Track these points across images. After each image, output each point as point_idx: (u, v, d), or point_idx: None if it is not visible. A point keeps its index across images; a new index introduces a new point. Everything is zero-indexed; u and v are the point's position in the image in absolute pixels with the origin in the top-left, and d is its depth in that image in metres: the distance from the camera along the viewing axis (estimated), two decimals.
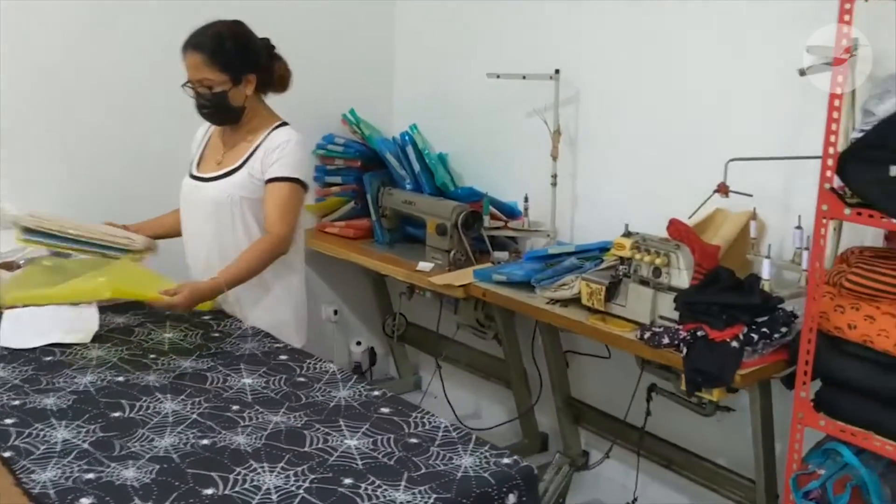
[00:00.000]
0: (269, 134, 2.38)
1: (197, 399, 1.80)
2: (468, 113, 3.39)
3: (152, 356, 2.02)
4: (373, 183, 3.29)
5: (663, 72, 2.76)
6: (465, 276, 2.87)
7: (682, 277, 2.34)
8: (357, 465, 1.55)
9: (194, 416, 1.72)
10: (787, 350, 2.20)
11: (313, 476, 1.51)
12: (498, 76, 3.04)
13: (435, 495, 1.46)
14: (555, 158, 2.99)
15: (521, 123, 3.15)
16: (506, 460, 1.59)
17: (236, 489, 1.46)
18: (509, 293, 2.70)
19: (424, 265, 3.02)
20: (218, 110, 2.35)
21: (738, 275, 2.35)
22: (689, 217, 2.52)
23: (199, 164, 2.47)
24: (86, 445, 1.58)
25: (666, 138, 2.78)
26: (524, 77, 2.99)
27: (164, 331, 2.17)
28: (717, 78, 2.62)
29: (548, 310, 2.57)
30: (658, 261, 2.37)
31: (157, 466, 1.52)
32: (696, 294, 2.29)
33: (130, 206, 2.71)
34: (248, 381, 1.90)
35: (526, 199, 3.08)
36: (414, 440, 1.65)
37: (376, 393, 1.85)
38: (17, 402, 1.75)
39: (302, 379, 1.91)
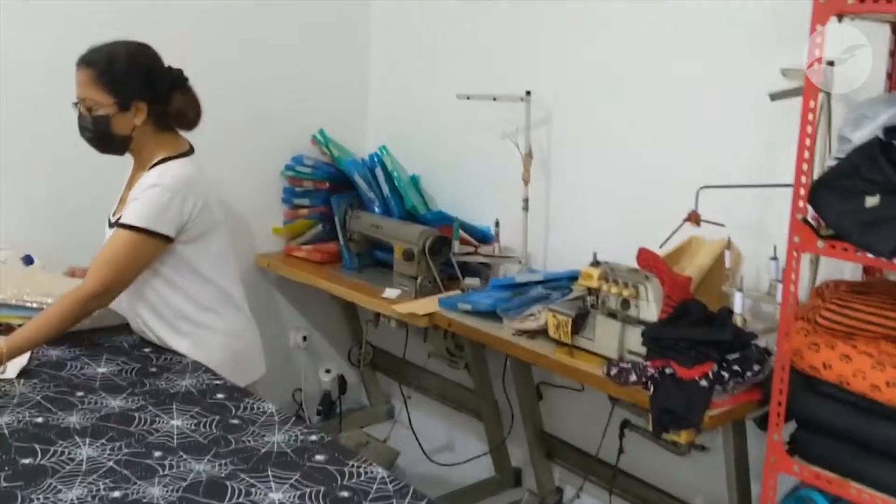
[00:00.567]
0: (146, 173, 2.17)
1: (118, 444, 1.67)
2: (440, 135, 3.28)
3: (80, 394, 1.89)
4: (340, 206, 3.18)
5: (635, 95, 2.65)
6: (430, 304, 2.74)
7: (650, 310, 2.22)
8: None
9: (110, 463, 1.59)
10: (760, 389, 2.08)
11: None
12: (468, 97, 2.93)
13: None
14: (526, 182, 2.88)
15: (492, 146, 3.04)
16: None
17: None
18: (476, 323, 2.57)
19: (391, 292, 2.90)
20: (98, 136, 2.14)
21: (713, 307, 2.22)
22: (661, 246, 2.39)
23: (118, 203, 2.28)
24: None
25: (638, 162, 2.67)
26: (494, 98, 2.88)
27: (99, 365, 2.05)
28: (691, 102, 2.51)
29: (514, 342, 2.44)
30: (626, 292, 2.25)
31: None
32: (664, 328, 2.16)
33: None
34: (177, 422, 1.77)
35: (497, 224, 2.97)
36: (345, 493, 1.52)
37: (314, 438, 1.72)
38: None
39: (235, 421, 1.79)
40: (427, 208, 3.23)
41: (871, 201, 1.76)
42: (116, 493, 1.49)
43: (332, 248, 3.26)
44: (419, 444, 3.23)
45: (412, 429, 3.28)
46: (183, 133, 2.28)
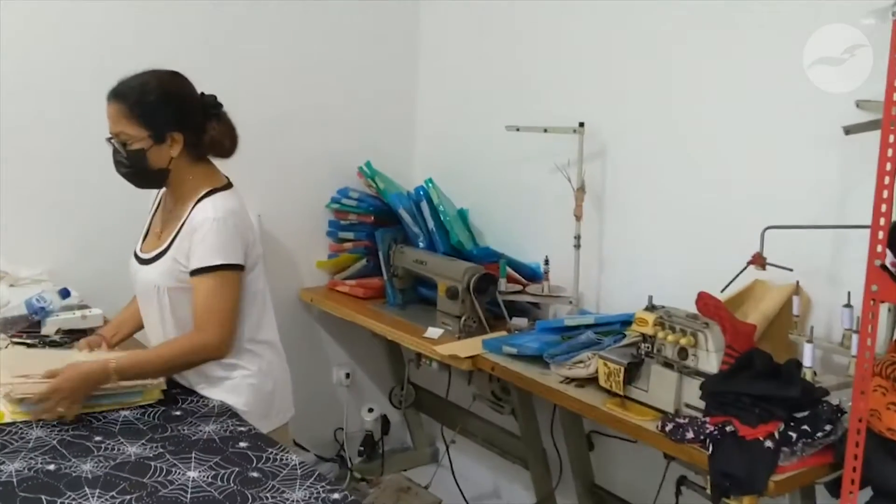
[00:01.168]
0: (193, 207, 2.06)
1: (128, 497, 1.56)
2: (488, 168, 3.17)
3: (98, 439, 1.79)
4: (385, 240, 3.07)
5: (696, 127, 2.50)
6: (474, 345, 2.60)
7: (710, 361, 2.04)
8: None
9: None
10: (832, 452, 1.88)
11: None
12: (517, 129, 2.81)
13: None
14: (578, 218, 2.73)
15: (543, 179, 2.90)
16: None
17: None
18: (521, 368, 2.43)
19: (433, 331, 2.77)
20: (136, 170, 2.05)
21: (779, 359, 2.04)
22: (722, 290, 2.22)
23: (145, 238, 2.20)
24: None
25: (699, 198, 2.51)
26: (545, 130, 2.75)
27: (122, 407, 1.96)
28: (757, 135, 2.34)
29: (561, 390, 2.29)
30: (684, 340, 2.08)
31: None
32: (725, 382, 1.98)
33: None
34: (193, 474, 1.66)
35: (546, 262, 2.82)
36: None
37: (336, 496, 1.59)
38: None
39: (255, 474, 1.67)
40: (475, 244, 3.10)
41: None
42: None
43: (375, 283, 3.15)
44: (461, 492, 3.08)
45: (453, 476, 3.12)
46: (227, 163, 2.20)
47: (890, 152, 1.63)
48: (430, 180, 3.10)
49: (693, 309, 2.15)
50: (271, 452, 1.76)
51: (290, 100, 3.17)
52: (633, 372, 2.18)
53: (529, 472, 2.92)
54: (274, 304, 2.26)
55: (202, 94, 2.12)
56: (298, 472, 1.68)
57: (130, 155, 2.04)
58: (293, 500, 1.57)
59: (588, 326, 2.46)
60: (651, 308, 2.20)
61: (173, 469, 1.68)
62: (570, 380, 2.32)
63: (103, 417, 1.91)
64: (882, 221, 1.65)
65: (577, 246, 2.74)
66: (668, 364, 2.12)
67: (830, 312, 2.19)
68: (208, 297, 2.02)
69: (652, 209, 2.64)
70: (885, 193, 1.64)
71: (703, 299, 2.15)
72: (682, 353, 2.09)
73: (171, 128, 2.04)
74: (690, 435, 1.95)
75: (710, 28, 2.42)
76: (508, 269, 2.84)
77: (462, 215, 3.20)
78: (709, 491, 1.94)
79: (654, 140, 2.61)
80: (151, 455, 1.74)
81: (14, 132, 2.69)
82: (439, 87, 3.37)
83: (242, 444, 1.80)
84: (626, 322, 2.37)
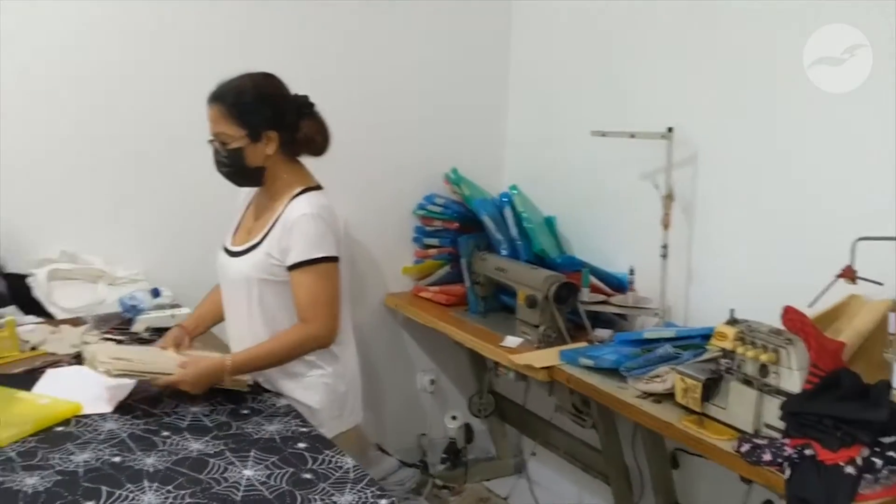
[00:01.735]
0: (287, 204, 2.13)
1: (182, 493, 1.59)
2: (573, 174, 3.10)
3: (165, 433, 1.84)
4: (468, 247, 3.05)
5: (789, 133, 2.36)
6: (551, 356, 2.54)
7: (792, 379, 1.93)
8: None
9: None
10: None
11: None
12: (604, 134, 2.73)
13: None
14: (666, 227, 2.64)
15: (629, 186, 2.82)
16: None
17: None
18: (597, 381, 2.35)
19: (511, 340, 2.72)
20: (235, 169, 2.14)
21: (870, 379, 1.90)
22: (810, 305, 2.08)
23: (235, 233, 2.27)
24: None
25: (790, 207, 2.38)
26: (632, 135, 2.66)
27: (194, 404, 2.01)
28: (851, 143, 2.20)
29: (636, 405, 2.21)
30: (765, 357, 1.97)
31: None
32: (807, 402, 1.86)
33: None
34: (249, 472, 1.68)
35: (631, 272, 2.73)
36: None
37: (383, 502, 1.57)
38: None
39: (308, 476, 1.67)
40: (561, 252, 3.03)
41: None
42: None
43: (458, 290, 3.14)
44: None
45: (531, 489, 3.06)
46: (320, 168, 2.25)
47: None
48: (515, 187, 3.06)
49: (780, 324, 2.03)
50: (327, 455, 1.77)
51: (381, 107, 3.20)
52: (711, 388, 2.08)
53: (611, 487, 2.84)
54: (360, 308, 2.30)
55: (295, 94, 2.18)
56: (350, 475, 1.68)
57: (230, 154, 2.13)
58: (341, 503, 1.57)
59: (667, 339, 2.36)
60: (733, 322, 2.10)
61: (230, 467, 1.71)
62: (646, 394, 2.24)
63: (174, 413, 1.97)
64: None
65: (664, 256, 2.64)
66: (747, 381, 2.01)
67: None
68: (312, 289, 2.08)
69: (743, 218, 2.52)
70: None
71: (789, 314, 2.02)
72: (763, 370, 1.98)
73: (266, 126, 2.12)
74: (768, 457, 1.84)
75: (802, 34, 2.28)
76: (592, 279, 2.77)
77: (549, 223, 3.14)
78: None
79: (745, 146, 2.49)
80: (212, 452, 1.77)
81: (118, 138, 2.81)
82: (528, 96, 3.32)
83: (301, 445, 1.81)
84: (707, 336, 2.26)
